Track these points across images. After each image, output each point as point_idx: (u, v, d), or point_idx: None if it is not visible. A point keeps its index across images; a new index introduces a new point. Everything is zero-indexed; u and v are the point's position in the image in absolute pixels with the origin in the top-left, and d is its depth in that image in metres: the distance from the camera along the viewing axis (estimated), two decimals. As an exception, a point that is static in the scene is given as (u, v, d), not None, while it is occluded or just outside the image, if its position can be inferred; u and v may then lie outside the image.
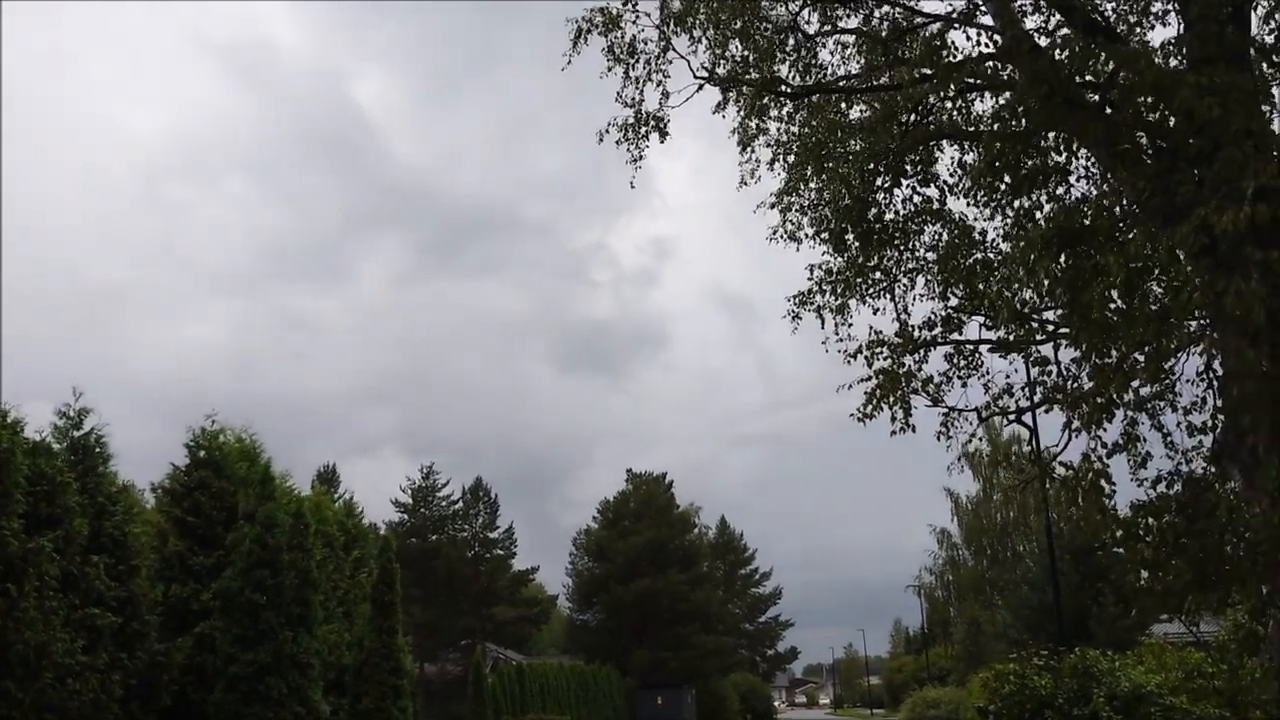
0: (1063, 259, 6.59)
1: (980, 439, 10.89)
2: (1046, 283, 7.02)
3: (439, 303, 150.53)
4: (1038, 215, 7.68)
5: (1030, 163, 7.28)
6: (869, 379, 10.42)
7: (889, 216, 10.72)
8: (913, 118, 9.82)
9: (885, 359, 10.50)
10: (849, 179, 10.05)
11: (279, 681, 19.40)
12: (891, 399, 10.13)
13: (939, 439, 10.83)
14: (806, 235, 11.53)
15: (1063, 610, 25.19)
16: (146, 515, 24.33)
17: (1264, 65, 8.35)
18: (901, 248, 10.93)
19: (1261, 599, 6.41)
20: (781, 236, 11.87)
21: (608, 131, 11.71)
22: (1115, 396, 6.29)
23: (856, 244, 10.72)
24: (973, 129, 9.79)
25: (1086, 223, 6.59)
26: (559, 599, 77.01)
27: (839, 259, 11.09)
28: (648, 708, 61.67)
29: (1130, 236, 5.88)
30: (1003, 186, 7.61)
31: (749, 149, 11.95)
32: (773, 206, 11.86)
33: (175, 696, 20.18)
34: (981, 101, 10.05)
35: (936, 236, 10.89)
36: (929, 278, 11.02)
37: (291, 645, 19.78)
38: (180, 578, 22.51)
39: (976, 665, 44.64)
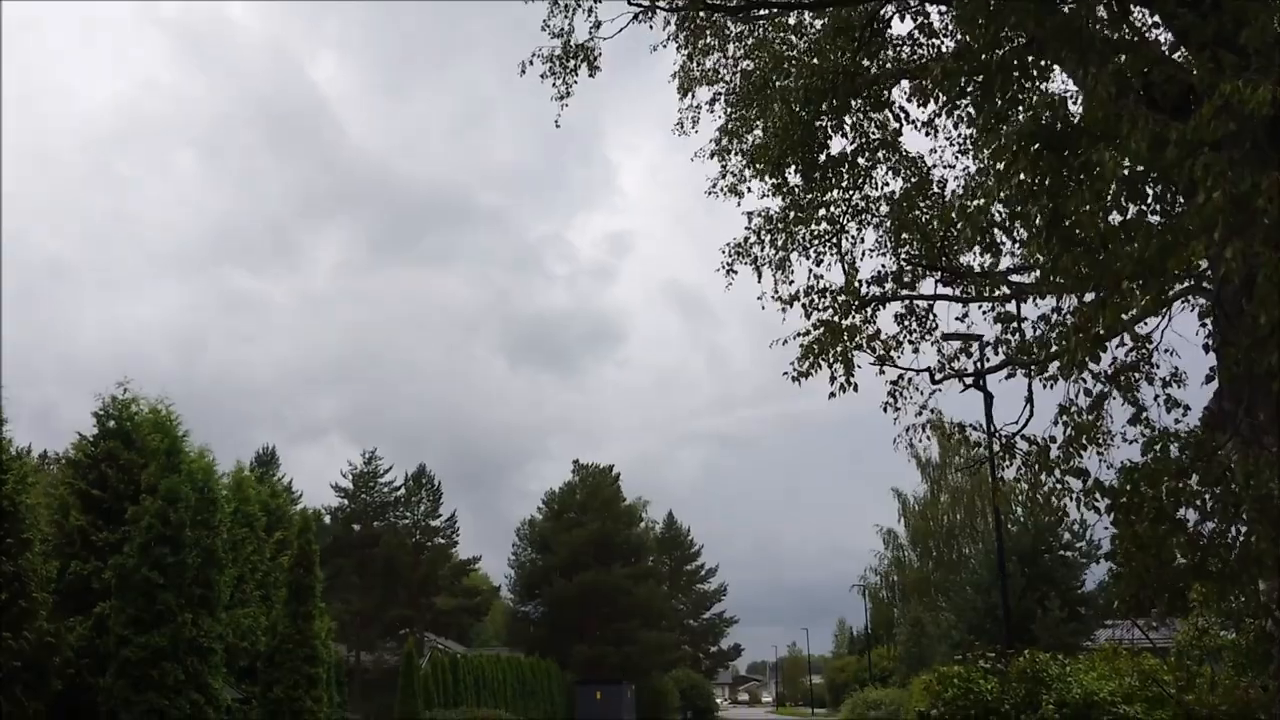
0: (1042, 163, 5.53)
1: (932, 414, 9.80)
2: (1019, 195, 5.95)
3: (390, 290, 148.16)
4: (1012, 118, 6.53)
5: (1000, 53, 6.13)
6: (806, 334, 9.34)
7: (836, 149, 9.63)
8: (866, 33, 8.74)
9: (827, 309, 9.41)
10: (793, 104, 8.89)
11: (176, 667, 18.01)
12: (831, 354, 9.00)
13: (885, 409, 9.80)
14: (748, 185, 10.43)
15: (1007, 610, 24.33)
16: (44, 484, 22.82)
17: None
18: (850, 188, 9.82)
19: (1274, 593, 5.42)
20: (722, 190, 10.79)
21: (531, 63, 10.55)
22: (1105, 328, 5.20)
23: (800, 180, 9.59)
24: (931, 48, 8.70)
25: (1074, 121, 5.56)
26: (501, 590, 75.88)
27: (779, 200, 10.01)
28: (587, 704, 60.57)
29: (1131, 128, 4.78)
30: (968, 88, 6.47)
31: (689, 94, 10.86)
32: (712, 155, 10.77)
33: (69, 681, 18.75)
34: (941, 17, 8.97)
35: (889, 178, 9.85)
36: (880, 231, 9.96)
37: (191, 628, 18.38)
38: (81, 554, 21.02)
39: (919, 666, 44.15)
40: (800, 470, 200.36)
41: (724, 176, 10.75)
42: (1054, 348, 6.87)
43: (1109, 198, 4.99)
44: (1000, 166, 5.70)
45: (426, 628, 63.15)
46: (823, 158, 9.45)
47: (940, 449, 63.36)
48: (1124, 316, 5.28)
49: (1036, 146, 5.38)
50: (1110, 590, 41.51)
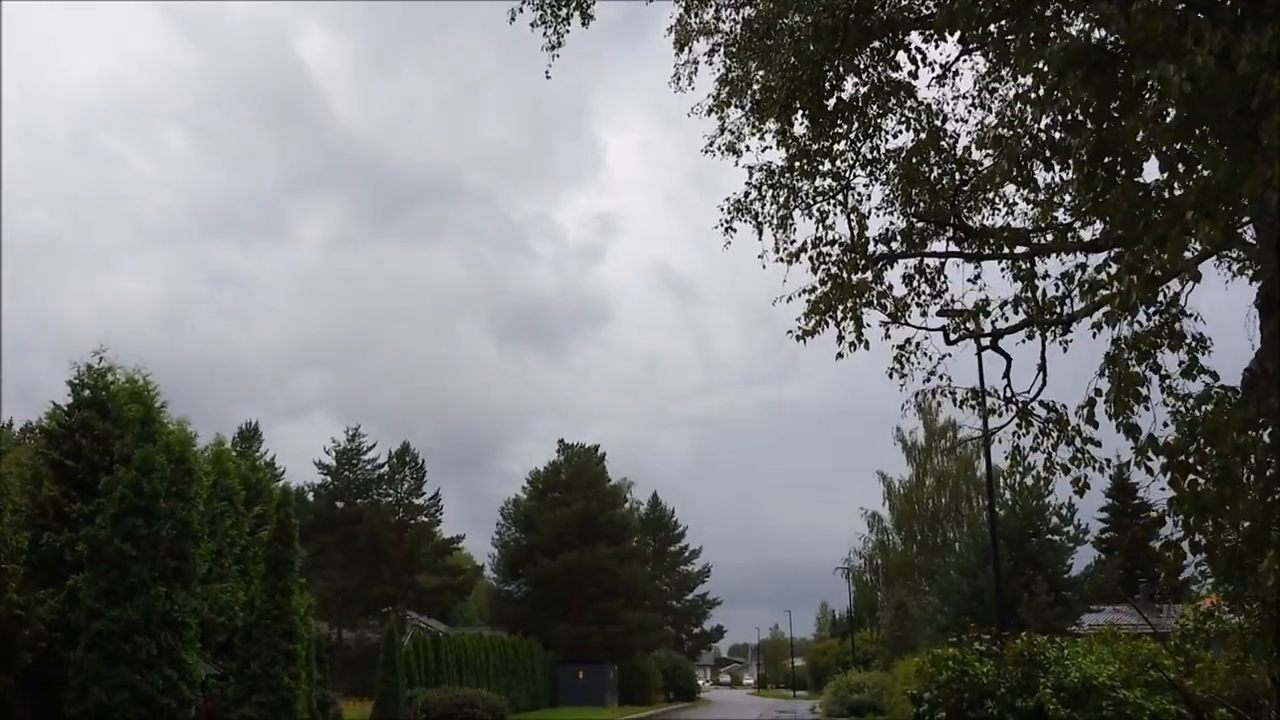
0: (1091, 85, 5.01)
1: (941, 380, 9.34)
2: (1061, 123, 5.44)
3: (377, 268, 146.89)
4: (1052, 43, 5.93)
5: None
6: (812, 290, 8.87)
7: (846, 93, 9.08)
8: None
9: (834, 263, 8.92)
10: (801, 42, 8.34)
11: (148, 641, 17.51)
12: (841, 310, 8.53)
13: (891, 375, 9.35)
14: (746, 144, 9.92)
15: (999, 592, 24.04)
16: (18, 455, 22.23)
17: None
18: (860, 137, 9.29)
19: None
20: (719, 149, 10.29)
21: (521, 10, 10.02)
22: (1163, 268, 4.69)
23: (806, 127, 9.06)
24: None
25: (1121, 41, 5.04)
26: (485, 570, 75.53)
27: (782, 153, 9.49)
28: (569, 682, 60.40)
29: (1196, 41, 4.25)
30: (996, 12, 5.88)
31: (686, 48, 10.34)
32: (710, 111, 10.23)
33: (40, 655, 18.25)
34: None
35: (900, 129, 9.33)
36: (889, 188, 9.46)
37: (165, 602, 17.87)
38: (54, 525, 20.51)
39: (902, 650, 44.05)
40: (786, 454, 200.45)
41: (722, 133, 10.26)
42: (1082, 303, 6.47)
43: (1168, 120, 4.53)
44: (1041, 92, 5.22)
45: (409, 606, 62.83)
46: (831, 103, 8.94)
47: (926, 433, 63.38)
48: (1186, 255, 4.84)
49: (1084, 68, 4.90)
50: (1096, 574, 41.47)
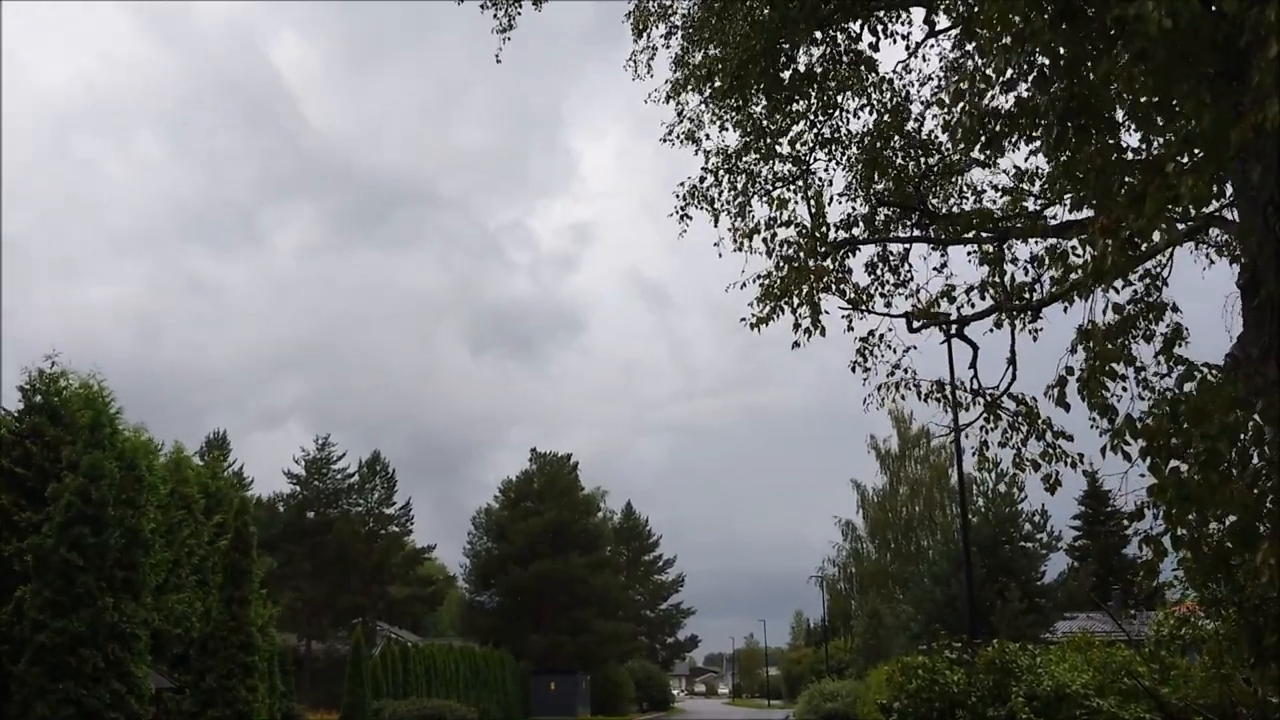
0: (1061, 32, 4.60)
1: (905, 374, 8.92)
2: (1031, 82, 5.02)
3: (351, 275, 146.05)
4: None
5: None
6: (767, 275, 8.45)
7: (803, 65, 8.66)
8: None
9: (791, 247, 8.51)
10: (755, 15, 7.91)
11: (95, 654, 16.87)
12: (796, 297, 8.11)
13: (854, 369, 8.96)
14: (706, 132, 9.52)
15: (971, 599, 23.74)
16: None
17: None
18: (819, 111, 8.88)
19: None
20: (679, 137, 9.88)
21: (470, -9, 9.59)
22: (1142, 228, 4.25)
23: (763, 105, 8.65)
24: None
25: None
26: (457, 580, 74.84)
27: (738, 134, 9.08)
28: (540, 693, 59.82)
29: None
30: None
31: (645, 34, 9.95)
32: (668, 98, 9.82)
33: (-15, 668, 17.59)
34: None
35: (861, 109, 8.93)
36: (851, 173, 9.07)
37: (113, 613, 17.23)
38: (3, 535, 19.82)
39: (876, 658, 43.76)
40: (760, 462, 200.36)
41: (680, 121, 9.87)
42: (1053, 277, 6.10)
43: (1147, 65, 4.13)
44: (1008, 40, 4.82)
45: (379, 617, 62.11)
46: (788, 75, 8.52)
47: (900, 440, 63.32)
48: (1168, 212, 4.42)
49: (1054, 10, 4.51)
50: (1069, 581, 41.34)
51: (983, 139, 6.13)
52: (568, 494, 67.83)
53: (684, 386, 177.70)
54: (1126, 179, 4.50)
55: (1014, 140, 6.45)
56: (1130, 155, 4.79)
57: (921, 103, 9.00)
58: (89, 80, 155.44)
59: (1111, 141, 4.88)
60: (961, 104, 5.48)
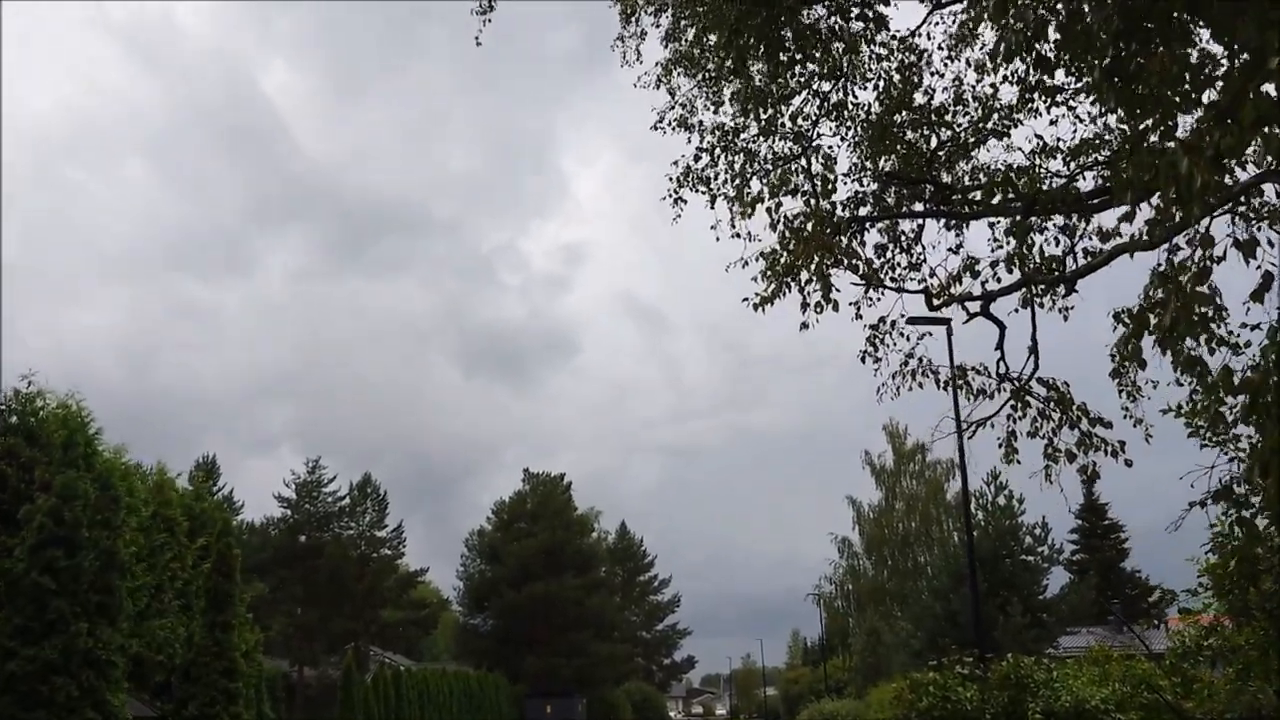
0: None
1: (919, 363, 8.33)
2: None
3: (343, 300, 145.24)
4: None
5: None
6: (771, 251, 7.88)
7: (807, 21, 8.04)
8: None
9: (797, 219, 7.94)
10: None
11: (69, 682, 16.15)
12: (805, 269, 7.52)
13: (864, 360, 8.41)
14: (699, 118, 8.97)
15: (977, 613, 23.13)
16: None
17: None
18: (821, 77, 8.27)
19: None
20: (671, 125, 9.35)
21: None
22: (1233, 145, 3.59)
23: (763, 67, 8.06)
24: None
25: None
26: (451, 603, 74.04)
27: (735, 109, 8.52)
28: (536, 717, 58.96)
29: None
30: None
31: (633, 19, 9.43)
32: (658, 83, 9.28)
33: (-43, 699, 16.85)
34: None
35: (870, 71, 8.36)
36: (858, 150, 8.52)
37: (87, 639, 16.52)
38: (-25, 560, 19.13)
39: (874, 677, 43.15)
40: (755, 481, 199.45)
41: (673, 108, 9.33)
42: (1103, 247, 5.54)
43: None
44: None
45: (373, 641, 61.28)
46: (790, 34, 7.94)
47: (895, 456, 62.78)
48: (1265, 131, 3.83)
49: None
50: (1072, 594, 40.71)
51: (1029, 62, 5.53)
52: (561, 514, 67.21)
53: (677, 407, 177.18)
54: (1207, 92, 3.93)
55: (1064, 64, 5.84)
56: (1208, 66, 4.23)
57: (933, 73, 8.44)
58: (77, 108, 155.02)
59: (1181, 52, 4.32)
60: (1005, 18, 4.89)
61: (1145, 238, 4.39)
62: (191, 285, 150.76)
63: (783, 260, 7.74)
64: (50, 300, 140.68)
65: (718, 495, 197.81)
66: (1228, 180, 4.08)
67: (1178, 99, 4.05)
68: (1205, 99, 4.09)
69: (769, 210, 8.17)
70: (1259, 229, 6.16)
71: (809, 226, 7.68)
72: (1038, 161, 8.18)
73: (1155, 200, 4.17)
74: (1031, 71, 6.59)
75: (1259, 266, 4.15)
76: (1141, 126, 4.20)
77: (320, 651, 57.78)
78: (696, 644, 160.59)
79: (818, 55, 7.99)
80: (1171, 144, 3.80)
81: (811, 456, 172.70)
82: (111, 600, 17.26)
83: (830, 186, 8.25)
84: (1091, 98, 6.76)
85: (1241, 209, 6.19)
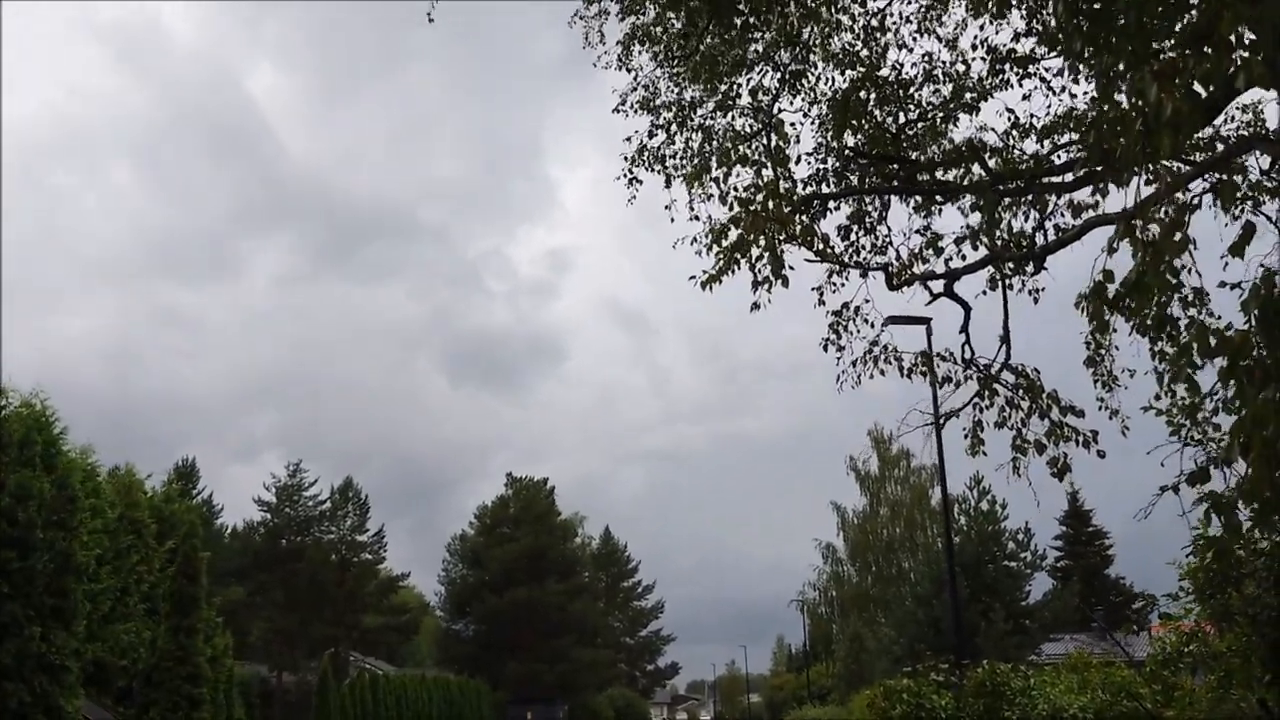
0: None
1: (883, 350, 7.97)
2: None
3: (329, 305, 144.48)
4: None
5: None
6: (721, 227, 7.48)
7: None
8: None
9: (749, 188, 7.55)
10: None
11: (20, 687, 15.66)
12: (756, 246, 7.07)
13: (825, 347, 8.05)
14: (663, 99, 8.57)
15: (958, 618, 22.78)
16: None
17: None
18: (781, 54, 7.88)
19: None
20: (633, 107, 8.93)
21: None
22: (1211, 73, 3.23)
23: (713, 27, 7.58)
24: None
25: None
26: (433, 608, 73.50)
27: (695, 88, 8.13)
28: (518, 724, 58.46)
29: None
30: None
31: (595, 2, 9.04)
32: (620, 63, 8.89)
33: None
34: None
35: (832, 39, 7.99)
36: (821, 128, 8.15)
37: (40, 643, 16.04)
38: (-68, 562, 18.60)
39: (858, 683, 42.80)
40: (740, 487, 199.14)
41: (635, 89, 8.95)
42: (1072, 221, 5.21)
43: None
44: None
45: (353, 646, 60.73)
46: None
47: (879, 462, 62.55)
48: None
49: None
50: (1055, 600, 40.48)
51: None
52: (544, 519, 66.74)
53: (663, 413, 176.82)
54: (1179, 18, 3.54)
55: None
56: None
57: (900, 45, 8.06)
58: (60, 111, 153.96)
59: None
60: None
61: (1121, 210, 4.00)
62: (177, 290, 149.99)
63: (731, 235, 7.31)
64: (36, 306, 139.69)
65: (703, 501, 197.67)
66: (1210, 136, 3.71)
67: (1153, 25, 3.67)
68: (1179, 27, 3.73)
69: (716, 181, 7.78)
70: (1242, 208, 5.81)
71: (758, 199, 7.26)
72: (1011, 141, 7.86)
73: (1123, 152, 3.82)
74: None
75: (1236, 217, 3.78)
76: (1111, 72, 3.84)
77: (300, 656, 57.20)
78: (680, 650, 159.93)
79: (774, 21, 7.59)
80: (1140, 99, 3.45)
81: (799, 462, 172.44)
82: (66, 603, 16.78)
83: (782, 155, 7.85)
84: (1064, 62, 6.43)
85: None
